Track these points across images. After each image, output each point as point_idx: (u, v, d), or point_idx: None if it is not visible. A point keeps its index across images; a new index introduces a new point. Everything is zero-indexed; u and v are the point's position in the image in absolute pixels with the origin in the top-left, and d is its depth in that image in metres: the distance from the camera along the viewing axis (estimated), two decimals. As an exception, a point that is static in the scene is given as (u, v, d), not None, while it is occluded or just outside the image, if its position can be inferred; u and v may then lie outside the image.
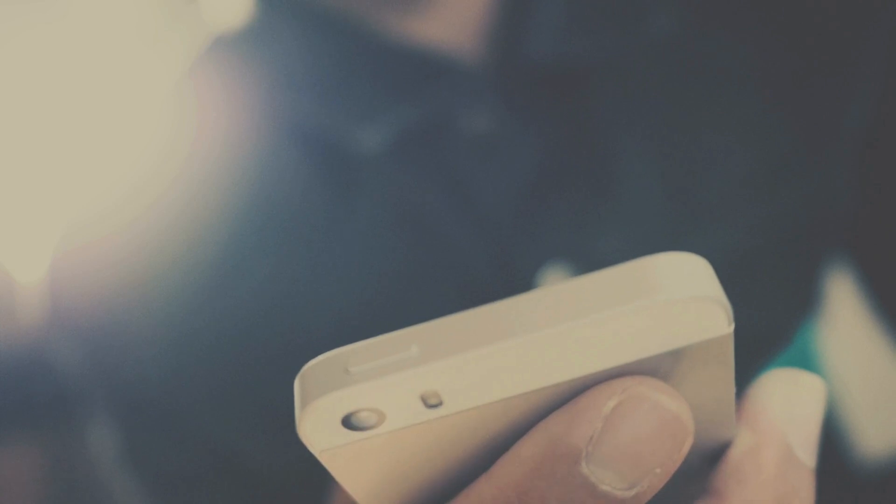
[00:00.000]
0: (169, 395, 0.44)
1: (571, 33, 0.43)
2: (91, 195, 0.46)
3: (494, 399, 0.16)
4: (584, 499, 0.15)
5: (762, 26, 0.46)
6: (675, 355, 0.16)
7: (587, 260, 0.43)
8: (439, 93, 0.43)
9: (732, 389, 0.17)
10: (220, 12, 0.49)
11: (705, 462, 0.19)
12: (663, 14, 0.45)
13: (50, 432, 1.36)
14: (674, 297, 0.15)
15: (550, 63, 0.43)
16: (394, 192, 0.44)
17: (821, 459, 0.51)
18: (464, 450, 0.17)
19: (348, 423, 0.16)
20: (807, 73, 0.46)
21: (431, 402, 0.16)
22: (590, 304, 0.15)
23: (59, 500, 1.35)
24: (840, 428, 0.53)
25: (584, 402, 0.16)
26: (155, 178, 0.45)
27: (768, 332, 0.46)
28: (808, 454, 0.18)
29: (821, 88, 0.46)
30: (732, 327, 0.16)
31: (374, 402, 0.16)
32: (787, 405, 0.19)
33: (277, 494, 0.45)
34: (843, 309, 0.53)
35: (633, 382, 0.16)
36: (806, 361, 0.55)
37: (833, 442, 0.52)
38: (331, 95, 0.44)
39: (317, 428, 0.16)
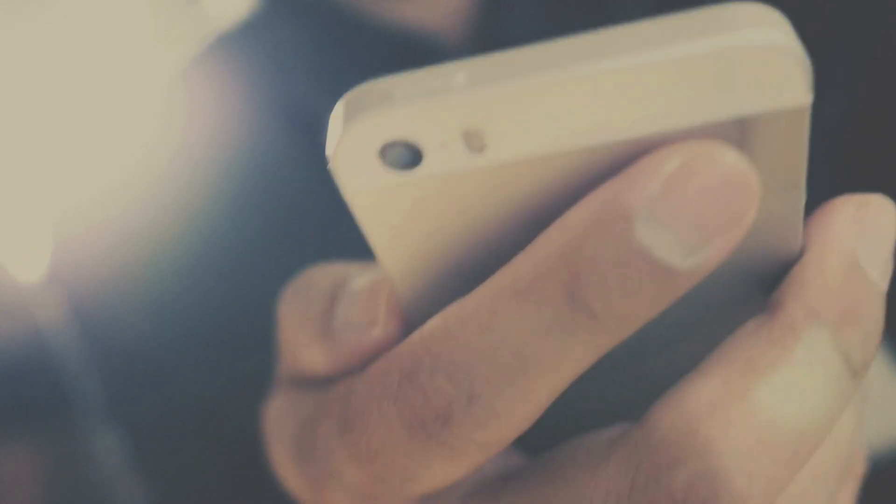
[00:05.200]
0: (159, 360, 0.46)
1: (549, 19, 0.45)
2: (87, 184, 0.47)
3: (544, 151, 0.15)
4: (637, 266, 0.14)
5: None
6: (744, 125, 0.14)
7: None
8: None
9: (802, 185, 0.15)
10: (217, 12, 0.50)
11: (766, 286, 0.17)
12: (640, 6, 0.46)
13: (50, 432, 1.36)
14: (753, 44, 0.13)
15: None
16: None
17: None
18: (505, 214, 0.16)
19: (386, 157, 0.15)
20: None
21: (475, 145, 0.15)
22: (657, 43, 0.14)
23: (58, 500, 1.35)
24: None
25: (644, 162, 0.14)
26: (152, 167, 0.46)
27: None
28: (879, 273, 0.17)
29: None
30: (811, 99, 0.14)
31: (415, 130, 0.14)
32: (858, 222, 0.17)
33: (258, 450, 0.47)
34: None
35: (698, 143, 0.14)
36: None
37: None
38: (325, 83, 0.46)
39: (352, 159, 0.15)
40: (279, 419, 0.21)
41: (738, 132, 0.14)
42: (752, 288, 0.17)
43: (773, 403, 0.15)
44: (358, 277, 0.19)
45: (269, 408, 0.22)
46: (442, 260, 0.17)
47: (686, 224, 0.14)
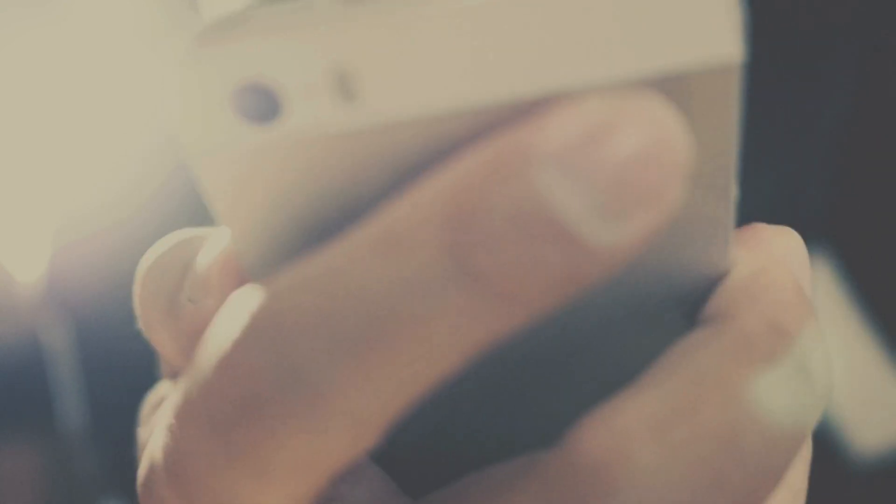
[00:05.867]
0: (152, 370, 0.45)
1: None
2: (89, 189, 0.47)
3: (428, 109, 0.11)
4: (537, 224, 0.11)
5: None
6: (663, 86, 0.11)
7: None
8: None
9: (732, 174, 0.13)
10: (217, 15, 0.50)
11: (689, 300, 0.15)
12: None
13: (49, 432, 1.36)
14: None
15: None
16: None
17: (815, 457, 0.51)
18: (379, 181, 0.12)
19: (242, 104, 0.12)
20: (782, 65, 0.46)
21: (347, 90, 0.11)
22: None
23: (58, 500, 1.35)
24: (831, 425, 0.53)
25: (561, 107, 0.11)
26: (153, 173, 0.46)
27: None
28: (809, 294, 0.15)
29: (796, 80, 0.46)
30: (741, 56, 0.11)
31: (272, 69, 0.11)
32: (785, 244, 0.15)
33: None
34: (824, 304, 0.53)
35: (630, 94, 0.11)
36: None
37: (825, 439, 0.52)
38: None
39: (196, 110, 0.12)
40: (144, 423, 0.18)
41: (665, 89, 0.12)
42: (670, 302, 0.15)
43: (730, 429, 0.12)
44: (209, 242, 0.16)
45: (148, 400, 0.18)
46: (299, 231, 0.13)
47: (601, 181, 0.11)
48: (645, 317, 0.15)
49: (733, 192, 0.13)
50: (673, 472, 0.12)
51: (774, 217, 0.46)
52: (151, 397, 0.18)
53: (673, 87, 0.12)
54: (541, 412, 0.16)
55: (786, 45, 0.46)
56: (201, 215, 0.46)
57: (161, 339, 0.16)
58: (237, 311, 0.12)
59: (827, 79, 0.46)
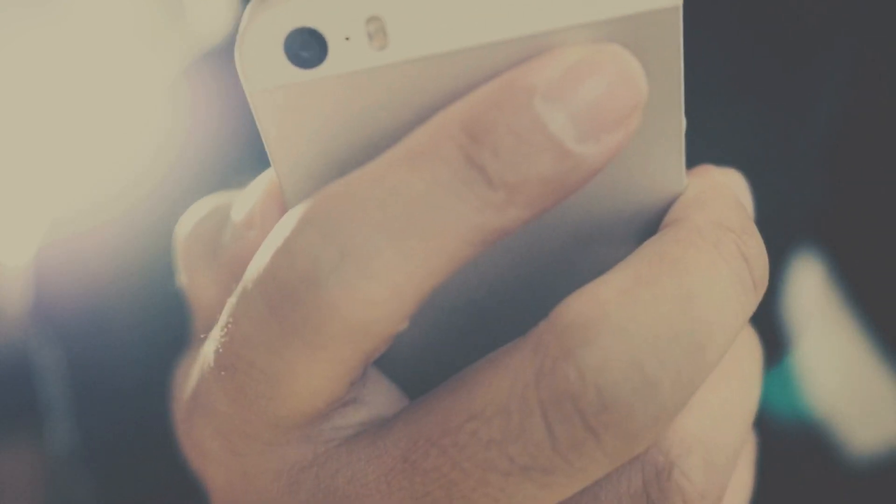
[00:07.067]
0: (145, 370, 0.44)
1: None
2: (80, 189, 0.47)
3: (443, 48, 0.15)
4: (533, 135, 0.14)
5: (731, 24, 0.46)
6: (621, 25, 0.15)
7: None
8: None
9: (679, 105, 0.17)
10: (215, 20, 0.50)
11: (650, 216, 0.18)
12: None
13: (37, 447, 1.36)
14: None
15: None
16: None
17: (812, 458, 0.51)
18: (404, 116, 0.16)
19: (290, 51, 0.15)
20: (776, 69, 0.46)
21: (378, 42, 0.15)
22: None
23: (58, 499, 1.35)
24: (827, 427, 0.53)
25: (548, 53, 0.15)
26: (146, 174, 0.46)
27: None
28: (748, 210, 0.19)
29: (790, 85, 0.46)
30: (681, 1, 0.15)
31: (318, 19, 0.15)
32: (729, 176, 0.19)
33: None
34: (817, 306, 0.53)
35: (599, 43, 0.15)
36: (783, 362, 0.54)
37: (820, 440, 0.52)
38: None
39: (256, 52, 0.15)
40: (181, 377, 0.20)
41: (618, 34, 0.16)
42: (637, 220, 0.18)
43: (684, 293, 0.15)
44: (245, 191, 0.18)
45: (178, 368, 0.21)
46: (339, 163, 0.16)
47: (582, 109, 0.15)
48: (613, 233, 0.18)
49: (682, 120, 0.17)
50: (639, 325, 0.15)
51: (769, 219, 0.46)
52: (183, 362, 0.20)
53: (629, 26, 0.15)
54: (527, 311, 0.19)
55: (779, 48, 0.46)
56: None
57: (204, 283, 0.19)
58: (291, 215, 0.15)
59: (819, 81, 0.46)
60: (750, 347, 0.19)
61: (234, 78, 0.46)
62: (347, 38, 0.15)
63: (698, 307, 0.15)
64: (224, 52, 0.48)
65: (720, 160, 0.44)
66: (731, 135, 0.45)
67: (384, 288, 0.14)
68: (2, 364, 1.36)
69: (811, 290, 0.52)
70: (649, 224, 0.18)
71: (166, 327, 0.44)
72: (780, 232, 0.48)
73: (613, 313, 0.15)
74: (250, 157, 0.45)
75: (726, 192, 0.17)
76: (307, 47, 0.15)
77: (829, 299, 0.52)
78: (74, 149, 0.49)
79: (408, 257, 0.14)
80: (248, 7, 0.15)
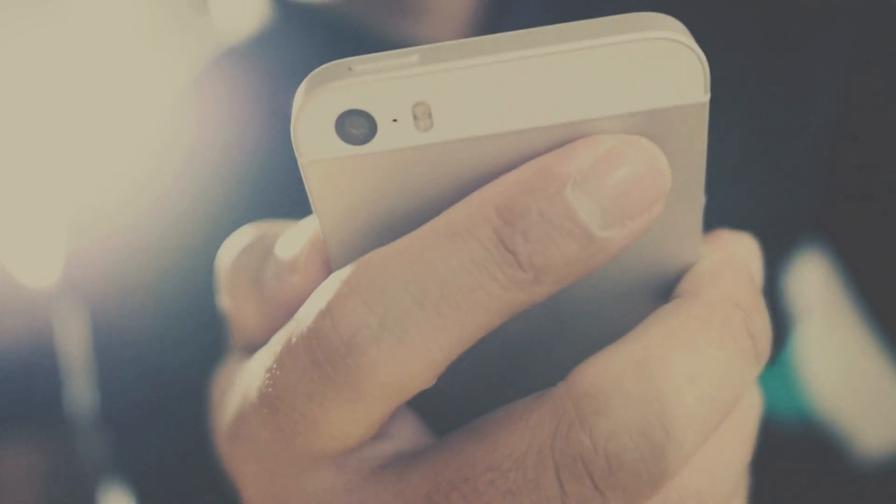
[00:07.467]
0: (164, 369, 0.45)
1: None
2: (99, 193, 0.47)
3: (485, 131, 0.16)
4: (562, 222, 0.16)
5: (728, 21, 0.46)
6: (652, 118, 0.16)
7: None
8: None
9: (701, 188, 0.18)
10: (228, 24, 0.50)
11: (665, 284, 0.19)
12: None
13: (50, 432, 1.36)
14: (661, 36, 0.16)
15: None
16: None
17: (816, 458, 0.51)
18: (444, 191, 0.17)
19: (341, 129, 0.16)
20: (773, 67, 0.46)
21: (423, 124, 0.16)
22: (582, 36, 0.16)
23: (58, 500, 1.35)
24: (830, 427, 0.53)
25: (580, 142, 0.16)
26: (158, 178, 0.46)
27: None
28: (759, 282, 0.20)
29: (787, 83, 0.46)
30: (708, 97, 0.16)
31: (369, 102, 0.16)
32: (742, 244, 0.20)
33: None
34: (820, 303, 0.53)
35: (628, 135, 0.16)
36: (785, 361, 0.55)
37: (823, 440, 0.52)
38: None
39: (311, 128, 0.16)
40: (221, 390, 0.21)
41: (648, 125, 0.17)
42: (651, 284, 0.19)
43: (691, 371, 0.16)
44: (291, 232, 0.20)
45: (216, 380, 0.22)
46: (380, 230, 0.18)
47: (609, 197, 0.16)
48: (630, 295, 0.19)
49: (702, 200, 0.18)
50: (648, 398, 0.16)
51: (768, 217, 0.46)
52: (223, 368, 0.22)
53: (658, 119, 0.16)
54: (546, 367, 0.20)
55: (774, 48, 0.46)
56: (204, 219, 0.46)
57: (245, 310, 0.20)
58: (336, 279, 0.16)
59: (815, 83, 0.46)
60: (749, 400, 0.20)
61: (256, 77, 0.47)
62: (395, 120, 0.16)
63: (704, 384, 0.16)
64: (247, 51, 0.48)
65: (720, 159, 0.45)
66: (730, 131, 0.46)
67: (418, 356, 0.16)
68: (2, 365, 1.36)
69: (814, 285, 0.52)
70: (663, 289, 0.19)
71: (185, 299, 0.45)
72: (782, 227, 0.48)
73: (625, 385, 0.16)
74: (267, 154, 0.46)
75: (739, 266, 0.19)
76: (358, 126, 0.16)
77: (832, 294, 0.52)
78: (87, 155, 0.49)
79: (441, 330, 0.16)
80: (305, 83, 0.16)
